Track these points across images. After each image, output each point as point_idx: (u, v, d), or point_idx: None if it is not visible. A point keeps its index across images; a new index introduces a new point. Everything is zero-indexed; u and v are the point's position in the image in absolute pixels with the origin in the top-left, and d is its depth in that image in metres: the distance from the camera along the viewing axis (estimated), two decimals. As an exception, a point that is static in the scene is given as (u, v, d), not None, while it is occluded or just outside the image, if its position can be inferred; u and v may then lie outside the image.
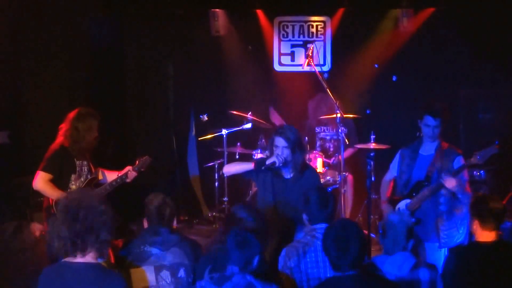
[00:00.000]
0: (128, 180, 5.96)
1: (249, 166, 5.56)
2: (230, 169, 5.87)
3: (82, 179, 5.87)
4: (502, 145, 5.34)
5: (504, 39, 8.39)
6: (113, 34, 8.96)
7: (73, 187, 5.81)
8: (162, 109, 9.37)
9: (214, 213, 8.60)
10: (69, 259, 3.69)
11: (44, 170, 5.74)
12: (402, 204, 5.62)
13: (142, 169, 5.98)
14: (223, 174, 7.97)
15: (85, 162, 5.91)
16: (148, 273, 4.50)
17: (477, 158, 5.30)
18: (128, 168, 5.95)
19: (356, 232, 3.80)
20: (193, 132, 9.30)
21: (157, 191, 4.84)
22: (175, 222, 4.99)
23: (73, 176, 5.82)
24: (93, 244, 3.65)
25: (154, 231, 4.64)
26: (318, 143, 8.14)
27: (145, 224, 4.77)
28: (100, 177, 6.05)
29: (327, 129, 8.34)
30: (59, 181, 5.77)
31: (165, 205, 4.72)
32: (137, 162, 5.99)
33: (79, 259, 3.68)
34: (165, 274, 4.52)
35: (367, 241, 3.81)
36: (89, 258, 3.69)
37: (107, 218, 3.68)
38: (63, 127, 5.85)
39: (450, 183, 5.34)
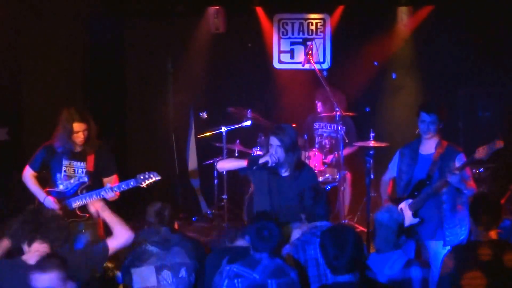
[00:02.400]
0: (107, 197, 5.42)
1: (242, 163, 5.53)
2: (224, 165, 5.94)
3: (72, 180, 5.67)
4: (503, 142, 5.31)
5: (504, 37, 8.39)
6: (112, 32, 8.95)
7: (61, 186, 5.69)
8: (162, 107, 9.36)
9: (213, 211, 8.60)
10: None
11: (29, 164, 5.80)
12: (404, 204, 5.60)
13: (143, 185, 5.39)
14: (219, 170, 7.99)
15: (80, 164, 5.69)
16: (149, 273, 4.50)
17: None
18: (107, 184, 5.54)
19: (353, 235, 3.79)
20: (193, 130, 9.29)
21: (156, 188, 4.83)
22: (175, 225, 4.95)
23: (58, 175, 5.69)
24: None
25: (155, 230, 4.64)
26: (316, 140, 8.13)
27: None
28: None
29: (324, 126, 8.32)
30: (47, 178, 5.77)
31: (164, 207, 4.74)
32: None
33: None
34: (167, 274, 4.51)
35: (363, 244, 3.89)
36: None
37: None
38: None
39: (455, 178, 5.34)
